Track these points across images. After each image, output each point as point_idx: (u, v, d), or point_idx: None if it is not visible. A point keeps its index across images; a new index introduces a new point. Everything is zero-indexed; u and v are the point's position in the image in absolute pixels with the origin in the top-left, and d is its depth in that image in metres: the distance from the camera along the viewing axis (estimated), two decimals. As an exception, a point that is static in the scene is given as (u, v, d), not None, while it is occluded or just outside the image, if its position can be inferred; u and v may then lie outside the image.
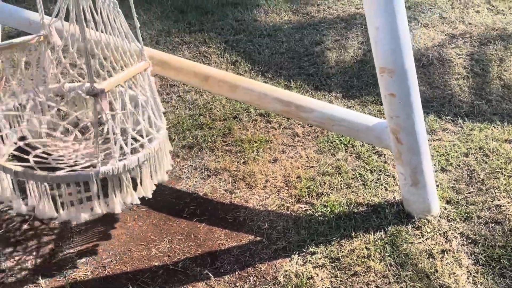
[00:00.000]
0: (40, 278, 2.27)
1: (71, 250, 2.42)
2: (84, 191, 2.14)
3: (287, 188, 2.80)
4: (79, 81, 2.68)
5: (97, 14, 2.27)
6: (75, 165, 2.34)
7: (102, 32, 2.31)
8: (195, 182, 2.86)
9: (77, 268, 2.33)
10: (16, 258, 2.37)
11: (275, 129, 3.26)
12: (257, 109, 3.40)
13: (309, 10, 4.64)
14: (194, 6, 4.65)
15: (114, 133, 2.13)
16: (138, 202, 2.26)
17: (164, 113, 3.33)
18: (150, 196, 2.31)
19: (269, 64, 3.88)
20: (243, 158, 3.01)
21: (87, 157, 2.43)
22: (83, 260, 2.38)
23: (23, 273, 2.30)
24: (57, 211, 2.17)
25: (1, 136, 2.45)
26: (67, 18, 2.45)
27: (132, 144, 2.24)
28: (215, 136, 3.18)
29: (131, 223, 2.61)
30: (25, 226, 2.53)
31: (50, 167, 2.34)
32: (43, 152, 2.49)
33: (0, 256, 2.37)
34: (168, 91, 3.59)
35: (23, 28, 3.35)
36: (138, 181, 2.25)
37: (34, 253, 2.40)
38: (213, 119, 3.32)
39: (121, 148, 2.17)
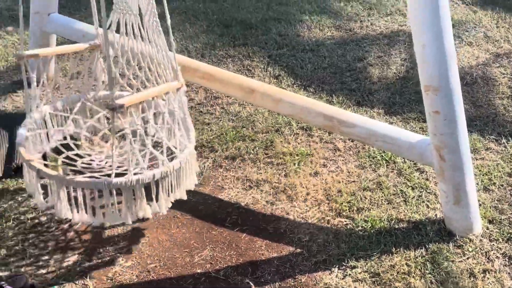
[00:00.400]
0: (88, 279, 2.36)
1: (117, 253, 2.51)
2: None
3: (327, 201, 2.83)
4: (128, 90, 2.78)
5: (143, 29, 2.38)
6: (100, 171, 2.43)
7: (145, 46, 2.42)
8: (237, 192, 2.92)
9: (123, 271, 2.42)
10: (65, 258, 2.47)
11: (316, 143, 3.30)
12: (299, 123, 3.45)
13: (352, 26, 4.68)
14: (239, 20, 4.74)
15: (132, 147, 2.21)
16: (150, 216, 2.31)
17: (207, 124, 3.44)
18: (164, 213, 2.36)
19: (312, 79, 3.93)
20: (285, 170, 3.06)
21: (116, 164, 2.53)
22: (129, 263, 2.46)
23: (71, 273, 2.39)
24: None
25: (46, 134, 2.60)
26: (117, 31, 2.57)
27: (152, 159, 2.31)
28: (257, 148, 3.24)
29: (175, 230, 2.68)
30: (75, 228, 2.64)
31: (76, 169, 2.47)
32: (76, 155, 2.61)
33: (50, 257, 2.48)
34: (212, 102, 3.68)
35: (76, 39, 3.50)
36: (154, 196, 2.29)
37: (83, 255, 2.49)
38: (255, 132, 3.39)
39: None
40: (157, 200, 2.31)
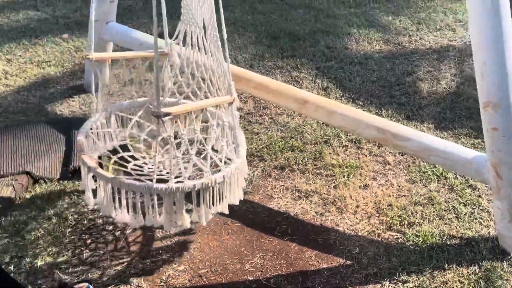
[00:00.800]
0: (142, 281, 2.42)
1: (171, 258, 2.56)
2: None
3: (377, 215, 2.82)
4: (192, 100, 2.83)
5: (206, 42, 2.44)
6: (148, 175, 2.49)
7: (208, 59, 2.48)
8: (286, 202, 2.94)
9: (176, 275, 2.46)
10: (120, 259, 2.54)
11: (366, 156, 3.30)
12: (347, 135, 3.46)
13: (400, 41, 4.67)
14: (287, 32, 4.79)
15: (176, 156, 2.26)
16: (188, 226, 2.33)
17: (256, 133, 3.48)
18: (204, 224, 2.37)
19: (360, 92, 3.94)
20: (334, 182, 3.07)
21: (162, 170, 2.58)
22: (181, 268, 2.51)
23: (126, 275, 2.45)
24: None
25: (109, 134, 2.71)
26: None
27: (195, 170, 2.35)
28: (306, 159, 3.26)
29: (226, 236, 2.72)
30: (128, 230, 2.70)
31: (127, 171, 2.55)
32: (131, 156, 2.69)
33: (105, 258, 2.55)
34: (261, 112, 3.72)
35: (133, 47, 3.60)
36: (194, 207, 2.32)
37: (137, 257, 2.55)
38: (304, 142, 3.41)
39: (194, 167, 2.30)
40: (197, 210, 2.35)
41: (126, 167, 2.65)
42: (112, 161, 2.70)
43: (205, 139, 2.71)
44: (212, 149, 2.65)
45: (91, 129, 2.64)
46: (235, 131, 2.48)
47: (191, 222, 2.35)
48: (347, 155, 3.30)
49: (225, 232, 2.75)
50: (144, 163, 2.72)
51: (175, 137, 2.42)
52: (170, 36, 2.71)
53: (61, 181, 3.01)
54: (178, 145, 2.66)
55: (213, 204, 2.34)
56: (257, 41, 4.66)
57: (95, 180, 2.40)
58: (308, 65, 4.29)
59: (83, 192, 2.93)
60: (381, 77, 4.12)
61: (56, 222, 2.73)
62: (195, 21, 2.46)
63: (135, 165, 2.67)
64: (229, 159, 2.44)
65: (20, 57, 4.28)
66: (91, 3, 2.38)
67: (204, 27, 2.46)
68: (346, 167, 3.18)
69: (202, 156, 2.68)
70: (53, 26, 4.78)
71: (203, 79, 2.63)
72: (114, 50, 3.95)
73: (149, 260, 2.54)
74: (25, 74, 4.07)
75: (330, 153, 3.31)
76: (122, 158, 2.70)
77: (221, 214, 2.79)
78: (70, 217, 2.76)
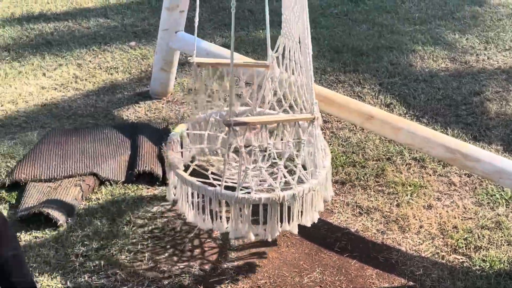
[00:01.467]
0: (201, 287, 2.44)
1: (230, 266, 2.57)
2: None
3: (442, 236, 2.74)
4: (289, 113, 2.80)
5: (301, 57, 2.42)
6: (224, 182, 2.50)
7: (299, 75, 2.47)
8: (347, 218, 2.90)
9: (234, 284, 2.47)
10: (181, 265, 2.56)
11: (430, 175, 3.21)
12: (411, 153, 3.38)
13: (467, 59, 4.56)
14: (350, 47, 4.76)
15: (244, 165, 2.27)
16: (252, 239, 2.34)
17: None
18: (270, 240, 2.38)
19: (425, 110, 3.86)
20: (396, 200, 3.01)
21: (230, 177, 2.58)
22: (240, 277, 2.51)
23: (187, 281, 2.48)
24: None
25: (202, 136, 2.80)
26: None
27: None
28: (367, 175, 3.21)
29: (284, 249, 2.70)
30: (188, 236, 2.73)
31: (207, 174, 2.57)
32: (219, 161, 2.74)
33: (166, 262, 2.58)
34: (322, 126, 3.70)
35: (200, 56, 3.66)
36: (260, 220, 2.32)
37: (198, 264, 2.57)
38: (366, 158, 3.36)
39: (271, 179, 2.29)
40: (264, 224, 2.34)
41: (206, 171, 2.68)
42: (194, 163, 2.74)
43: (279, 153, 2.70)
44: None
45: (187, 129, 2.75)
46: (314, 150, 2.39)
47: (256, 235, 2.36)
48: (411, 174, 3.23)
49: (284, 244, 2.73)
50: (227, 169, 2.69)
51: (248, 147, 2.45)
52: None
53: (125, 184, 3.08)
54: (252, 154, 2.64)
55: (281, 221, 2.33)
56: (320, 55, 4.64)
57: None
58: (371, 81, 4.24)
59: (146, 196, 3.00)
60: (446, 95, 4.02)
61: (119, 224, 2.79)
62: (292, 36, 2.46)
63: (214, 170, 2.69)
64: (304, 178, 2.38)
65: (90, 63, 4.44)
66: (195, 11, 2.36)
67: (299, 42, 2.46)
68: (410, 185, 3.11)
69: (272, 170, 2.68)
70: (122, 34, 4.94)
71: (299, 94, 2.60)
72: (180, 59, 4.03)
73: (208, 266, 2.56)
74: (94, 79, 4.21)
75: (392, 170, 3.25)
76: (208, 161, 2.75)
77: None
78: (133, 220, 2.81)
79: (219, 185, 2.28)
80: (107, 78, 4.22)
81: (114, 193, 3.00)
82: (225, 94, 2.85)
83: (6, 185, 2.99)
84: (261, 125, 2.41)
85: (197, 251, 2.66)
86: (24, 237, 2.68)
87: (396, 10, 5.58)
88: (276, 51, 2.66)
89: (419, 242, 2.71)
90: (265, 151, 2.59)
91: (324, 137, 3.57)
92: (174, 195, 2.54)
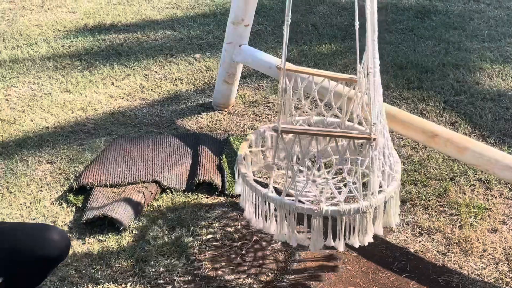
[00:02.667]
0: (257, 299, 2.45)
1: (286, 279, 2.57)
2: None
3: (507, 262, 2.64)
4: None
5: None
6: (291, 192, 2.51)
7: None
8: (406, 237, 2.84)
9: (290, 297, 2.47)
10: (237, 276, 2.59)
11: (496, 197, 3.10)
12: (476, 174, 3.28)
13: (539, 78, 4.38)
14: (414, 63, 4.68)
15: (293, 174, 2.30)
16: (294, 244, 2.37)
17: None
18: (313, 250, 2.39)
19: (492, 130, 3.73)
20: (459, 222, 2.92)
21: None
22: (295, 291, 2.51)
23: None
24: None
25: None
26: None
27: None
28: (429, 194, 3.13)
29: (341, 265, 2.68)
30: (245, 247, 2.76)
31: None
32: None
33: (224, 271, 2.61)
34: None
35: (262, 70, 3.72)
36: (305, 230, 2.32)
37: (255, 275, 2.59)
38: (428, 177, 3.28)
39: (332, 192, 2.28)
40: (334, 237, 2.36)
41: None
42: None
43: (328, 168, 2.69)
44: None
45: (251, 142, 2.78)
46: (370, 174, 2.28)
47: (298, 244, 2.40)
48: (475, 195, 3.13)
49: (340, 261, 2.71)
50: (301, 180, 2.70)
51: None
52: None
53: (185, 193, 3.15)
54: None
55: (326, 236, 2.34)
56: (383, 70, 4.55)
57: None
58: (435, 98, 4.15)
59: (205, 205, 3.06)
60: (516, 115, 3.88)
61: (178, 231, 2.85)
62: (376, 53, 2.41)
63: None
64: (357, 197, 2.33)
65: (156, 73, 4.58)
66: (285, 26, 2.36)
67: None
68: (474, 207, 3.01)
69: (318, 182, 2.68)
70: (187, 46, 5.07)
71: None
72: (242, 71, 4.10)
73: (265, 278, 2.57)
74: (159, 89, 4.34)
75: (456, 190, 3.16)
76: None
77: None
78: (192, 228, 2.87)
79: (276, 188, 2.32)
80: (171, 88, 4.34)
81: (175, 201, 3.08)
82: (312, 103, 2.84)
83: (74, 188, 3.12)
84: (311, 136, 2.40)
85: (255, 262, 2.67)
86: (88, 240, 2.79)
87: (464, 27, 5.45)
88: (362, 66, 2.56)
89: (482, 267, 2.62)
90: (315, 162, 2.58)
91: (385, 154, 3.52)
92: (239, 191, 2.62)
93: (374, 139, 2.23)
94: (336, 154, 2.56)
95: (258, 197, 2.39)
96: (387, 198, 2.37)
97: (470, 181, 3.24)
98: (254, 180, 2.45)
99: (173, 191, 3.14)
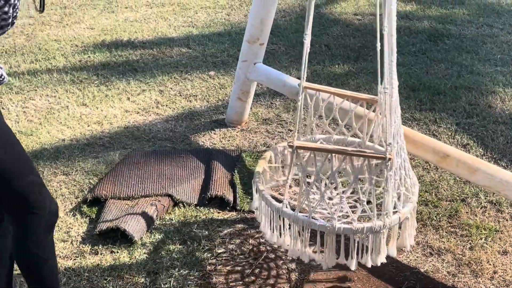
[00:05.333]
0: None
1: (295, 296, 2.59)
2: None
3: (517, 284, 2.63)
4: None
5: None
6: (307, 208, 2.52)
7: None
8: (416, 257, 2.85)
9: (299, 313, 2.48)
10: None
11: (507, 220, 3.10)
12: (487, 196, 3.29)
13: (552, 103, 4.39)
14: (427, 85, 4.71)
15: (306, 190, 2.34)
16: (306, 260, 2.39)
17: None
18: (324, 268, 2.40)
19: (504, 152, 3.74)
20: (470, 243, 2.92)
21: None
22: (305, 307, 2.52)
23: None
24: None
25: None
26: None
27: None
28: (440, 215, 3.14)
29: (350, 283, 2.68)
30: (256, 262, 2.78)
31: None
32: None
33: (234, 284, 2.63)
34: (395, 163, 3.67)
35: (275, 88, 3.77)
36: (318, 247, 2.34)
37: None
38: (439, 198, 3.29)
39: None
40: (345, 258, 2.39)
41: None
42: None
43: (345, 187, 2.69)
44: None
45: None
46: (385, 194, 2.28)
47: (311, 264, 2.40)
48: (486, 217, 3.13)
49: (353, 282, 2.71)
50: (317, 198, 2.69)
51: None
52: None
53: (197, 207, 3.18)
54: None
55: (338, 254, 2.36)
56: (395, 92, 4.62)
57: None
58: (447, 120, 4.17)
59: (216, 220, 3.08)
60: (528, 139, 3.89)
61: (190, 245, 2.88)
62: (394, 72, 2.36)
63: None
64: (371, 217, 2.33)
65: (171, 90, 4.65)
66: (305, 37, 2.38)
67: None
68: (485, 229, 3.01)
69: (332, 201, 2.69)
70: (202, 64, 5.15)
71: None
72: (256, 89, 4.15)
73: (274, 294, 2.59)
74: (174, 105, 4.40)
75: (467, 212, 3.17)
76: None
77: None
78: (203, 242, 2.90)
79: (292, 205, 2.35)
80: (186, 105, 4.40)
81: (187, 215, 3.11)
82: (332, 121, 2.83)
83: (88, 200, 3.17)
84: (326, 153, 2.43)
85: (268, 280, 2.69)
86: (101, 251, 2.83)
87: (477, 51, 5.48)
88: (384, 87, 2.43)
89: (492, 288, 2.62)
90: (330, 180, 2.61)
91: (396, 174, 3.54)
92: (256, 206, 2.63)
93: (390, 159, 2.22)
94: (353, 174, 2.58)
95: (273, 211, 2.41)
96: (401, 219, 2.36)
97: (481, 202, 3.25)
98: (271, 195, 2.47)
99: (185, 205, 3.18)
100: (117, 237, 2.91)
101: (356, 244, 2.32)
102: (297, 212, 2.31)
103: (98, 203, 3.17)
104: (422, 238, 2.97)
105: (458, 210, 3.18)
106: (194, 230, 2.99)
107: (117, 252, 2.83)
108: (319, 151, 2.44)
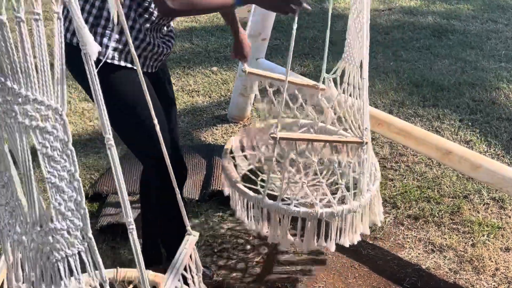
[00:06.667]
0: (266, 310, 2.46)
1: (296, 292, 2.58)
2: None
3: (520, 281, 2.62)
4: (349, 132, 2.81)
5: (361, 81, 2.44)
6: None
7: (357, 98, 2.48)
8: (418, 254, 2.84)
9: (300, 310, 2.47)
10: (243, 280, 2.60)
11: (509, 216, 3.08)
12: (490, 192, 3.27)
13: (556, 99, 4.36)
14: (430, 81, 4.69)
15: (286, 178, 2.35)
16: (287, 247, 2.45)
17: (391, 179, 3.42)
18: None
19: (507, 149, 3.72)
20: (472, 240, 2.90)
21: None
22: (305, 303, 2.51)
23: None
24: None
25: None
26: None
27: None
28: (442, 212, 3.13)
29: (352, 280, 2.68)
30: (255, 259, 2.77)
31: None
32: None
33: (236, 284, 2.63)
34: (397, 159, 3.65)
35: (278, 83, 3.74)
36: (298, 232, 2.33)
37: (265, 287, 2.60)
38: (441, 195, 3.28)
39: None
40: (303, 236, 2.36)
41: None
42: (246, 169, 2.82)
43: (322, 172, 2.71)
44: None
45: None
46: (360, 175, 2.33)
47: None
48: (488, 214, 3.11)
49: (351, 275, 2.71)
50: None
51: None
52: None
53: (199, 203, 3.17)
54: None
55: (318, 237, 2.34)
56: (398, 87, 4.61)
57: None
58: (450, 116, 4.15)
59: (217, 215, 3.08)
60: (531, 136, 3.86)
61: (191, 240, 2.87)
62: (353, 60, 2.51)
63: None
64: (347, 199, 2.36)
65: (174, 85, 4.62)
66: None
67: (361, 67, 2.47)
68: (487, 226, 3.00)
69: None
70: (205, 59, 5.13)
71: (349, 116, 2.63)
72: (259, 85, 4.13)
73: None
74: (176, 100, 4.38)
75: (469, 209, 3.15)
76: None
77: (349, 256, 2.78)
78: (205, 238, 2.89)
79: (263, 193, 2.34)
80: (188, 100, 4.39)
81: (188, 211, 3.10)
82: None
83: (89, 195, 3.17)
84: (307, 142, 2.43)
85: (264, 274, 2.69)
86: (102, 246, 2.82)
87: (481, 47, 5.45)
88: (334, 73, 2.69)
89: (493, 285, 2.60)
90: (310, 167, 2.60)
91: (399, 170, 3.53)
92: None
93: (366, 143, 2.31)
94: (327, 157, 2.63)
95: (251, 203, 2.39)
96: (375, 198, 2.43)
97: (483, 199, 3.23)
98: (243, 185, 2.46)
99: (186, 200, 3.17)
100: (118, 232, 2.90)
101: (335, 226, 2.31)
102: (279, 202, 2.29)
103: (99, 198, 3.17)
104: (424, 235, 2.96)
105: (461, 206, 3.16)
106: (195, 226, 2.98)
107: (118, 247, 2.82)
108: (301, 141, 2.42)
